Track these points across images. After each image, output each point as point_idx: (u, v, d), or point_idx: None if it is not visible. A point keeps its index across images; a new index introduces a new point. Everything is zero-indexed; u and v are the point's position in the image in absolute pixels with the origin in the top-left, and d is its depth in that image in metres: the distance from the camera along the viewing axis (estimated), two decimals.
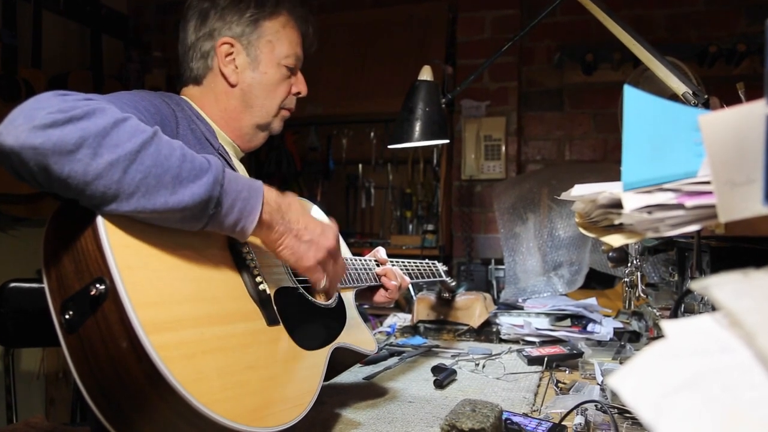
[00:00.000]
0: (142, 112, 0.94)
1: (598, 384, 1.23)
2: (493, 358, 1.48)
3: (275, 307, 0.94)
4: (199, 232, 0.84)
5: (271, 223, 0.88)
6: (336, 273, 1.01)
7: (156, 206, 0.74)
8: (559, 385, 1.25)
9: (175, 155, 0.77)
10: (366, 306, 1.40)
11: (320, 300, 1.11)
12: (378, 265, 1.35)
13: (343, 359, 1.14)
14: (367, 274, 1.29)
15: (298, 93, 1.26)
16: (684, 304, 1.21)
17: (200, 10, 1.18)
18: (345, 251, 1.31)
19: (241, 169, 1.23)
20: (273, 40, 1.19)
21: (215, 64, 1.18)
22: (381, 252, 1.40)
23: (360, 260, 1.30)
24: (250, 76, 1.18)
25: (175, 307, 0.75)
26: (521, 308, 1.89)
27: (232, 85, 1.18)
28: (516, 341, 1.68)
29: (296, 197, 0.97)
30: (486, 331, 1.76)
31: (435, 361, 1.41)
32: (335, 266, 1.00)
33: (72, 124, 0.69)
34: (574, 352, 1.45)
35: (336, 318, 1.13)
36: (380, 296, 1.35)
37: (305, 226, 0.93)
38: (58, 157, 0.68)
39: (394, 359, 1.49)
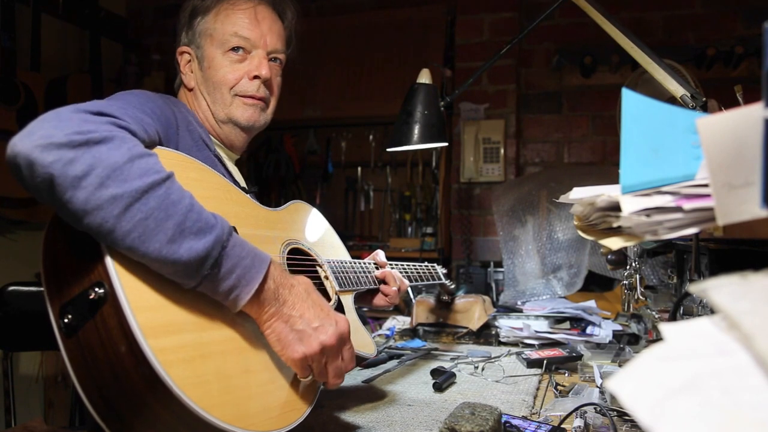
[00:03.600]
0: (150, 116, 0.94)
1: (597, 387, 1.23)
2: (493, 360, 1.48)
3: None
4: None
5: (262, 300, 0.82)
6: (327, 371, 0.88)
7: (148, 251, 0.70)
8: (559, 387, 1.25)
9: (184, 203, 0.74)
10: (365, 309, 1.40)
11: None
12: (377, 268, 1.35)
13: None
14: (366, 277, 1.29)
15: (257, 76, 1.18)
16: (683, 307, 1.21)
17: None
18: (344, 254, 1.31)
19: (235, 171, 1.23)
20: (212, 33, 1.19)
21: (180, 73, 1.24)
22: (380, 255, 1.40)
23: (359, 263, 1.30)
24: (200, 75, 1.21)
25: (173, 311, 0.74)
26: (520, 311, 1.89)
27: (190, 89, 1.23)
28: (515, 344, 1.67)
29: (306, 280, 0.89)
30: (485, 334, 1.76)
31: (434, 364, 1.41)
32: (330, 365, 0.88)
33: (87, 148, 0.69)
34: (573, 354, 1.45)
35: None
36: (380, 299, 1.35)
37: (301, 315, 0.85)
38: (64, 179, 0.67)
39: (394, 362, 1.49)
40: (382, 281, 1.33)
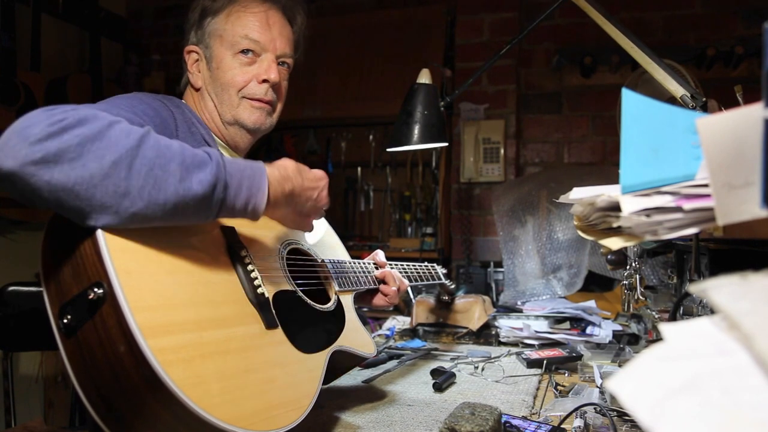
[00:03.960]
0: (140, 116, 0.94)
1: (597, 387, 1.23)
2: (492, 361, 1.48)
3: (274, 311, 0.94)
4: (198, 233, 0.84)
5: (274, 201, 0.89)
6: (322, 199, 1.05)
7: (168, 196, 0.74)
8: (559, 387, 1.25)
9: (174, 145, 0.78)
10: (365, 309, 1.40)
11: (319, 304, 1.11)
12: (377, 268, 1.35)
13: (342, 362, 1.14)
14: (366, 277, 1.29)
15: (266, 80, 1.19)
16: (683, 307, 1.21)
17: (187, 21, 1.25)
18: (343, 254, 1.31)
19: None
20: (222, 34, 1.19)
21: (188, 72, 1.23)
22: (380, 255, 1.40)
23: (359, 263, 1.30)
24: (208, 75, 1.21)
25: (173, 311, 0.74)
26: (520, 311, 1.89)
27: (197, 88, 1.22)
28: (515, 344, 1.67)
29: (290, 162, 0.96)
30: (485, 334, 1.76)
31: (434, 364, 1.41)
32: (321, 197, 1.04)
33: (67, 132, 0.69)
34: (573, 354, 1.44)
35: (335, 321, 1.12)
36: (379, 299, 1.35)
37: (302, 195, 0.96)
38: (62, 166, 0.67)
39: (393, 362, 1.49)
40: (382, 281, 1.33)
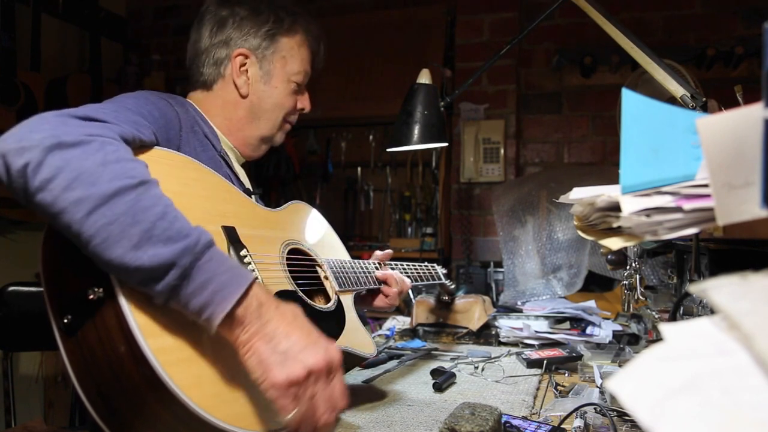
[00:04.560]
0: (146, 118, 0.94)
1: (597, 387, 1.23)
2: (492, 361, 1.48)
3: None
4: None
5: (243, 319, 0.73)
6: (316, 404, 0.75)
7: (112, 258, 0.67)
8: (559, 388, 1.25)
9: (155, 211, 0.70)
10: (365, 309, 1.41)
11: (319, 303, 1.11)
12: (377, 267, 1.35)
13: (342, 362, 1.14)
14: (366, 277, 1.29)
15: (302, 109, 1.29)
16: (683, 307, 1.21)
17: (218, 17, 1.19)
18: (344, 254, 1.31)
19: (242, 173, 1.23)
20: (287, 56, 1.22)
21: (228, 73, 1.19)
22: (381, 253, 1.41)
23: (359, 263, 1.30)
24: (261, 89, 1.21)
25: (173, 311, 0.74)
26: (520, 311, 1.89)
27: (243, 96, 1.20)
28: (515, 344, 1.67)
29: (295, 307, 0.80)
30: (485, 334, 1.76)
31: (434, 364, 1.41)
32: (320, 395, 0.75)
33: (58, 151, 0.68)
34: (573, 354, 1.44)
35: (335, 321, 1.12)
36: (380, 301, 1.34)
37: (286, 335, 0.75)
38: (32, 182, 0.67)
39: (393, 362, 1.49)
40: (383, 282, 1.33)
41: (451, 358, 1.52)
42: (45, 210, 0.68)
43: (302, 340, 0.75)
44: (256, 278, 0.77)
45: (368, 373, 1.38)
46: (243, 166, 1.28)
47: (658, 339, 1.40)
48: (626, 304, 1.47)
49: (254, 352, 0.73)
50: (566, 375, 1.37)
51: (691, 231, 0.55)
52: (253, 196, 1.18)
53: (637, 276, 1.43)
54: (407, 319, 1.96)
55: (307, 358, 0.73)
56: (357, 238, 3.32)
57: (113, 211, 0.67)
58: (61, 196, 0.67)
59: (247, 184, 1.23)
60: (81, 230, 0.67)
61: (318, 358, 0.74)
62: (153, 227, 0.69)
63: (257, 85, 1.21)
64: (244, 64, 1.19)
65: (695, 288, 0.41)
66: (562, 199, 0.81)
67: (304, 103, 1.29)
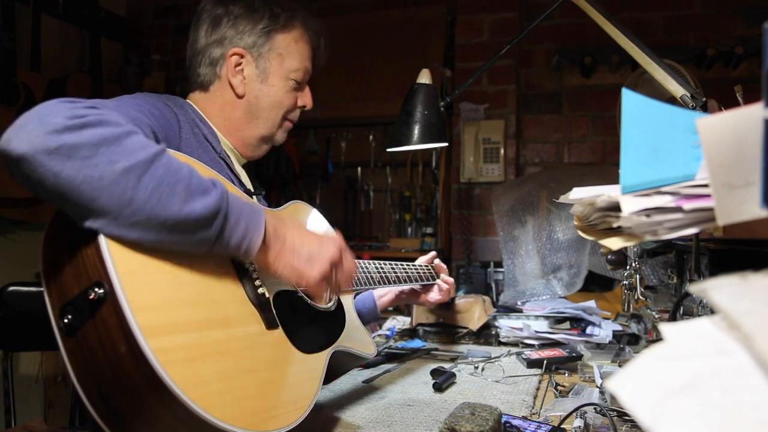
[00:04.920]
0: (146, 115, 0.94)
1: (597, 387, 1.23)
2: (492, 361, 1.48)
3: (274, 311, 0.94)
4: None
5: (268, 243, 0.86)
6: (340, 281, 0.97)
7: (169, 214, 0.73)
8: (559, 388, 1.25)
9: (184, 168, 0.77)
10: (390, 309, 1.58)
11: (320, 304, 1.11)
12: (376, 269, 1.35)
13: (342, 362, 1.14)
14: (366, 277, 1.29)
15: (304, 106, 1.27)
16: (683, 307, 1.21)
17: (213, 15, 1.18)
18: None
19: (243, 174, 1.23)
20: (284, 53, 1.20)
21: (224, 73, 1.18)
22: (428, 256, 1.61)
23: (359, 263, 1.30)
24: (258, 88, 1.19)
25: (173, 311, 0.74)
26: (520, 311, 1.89)
27: (239, 96, 1.19)
28: (515, 344, 1.67)
29: (293, 218, 0.96)
30: (485, 334, 1.76)
31: (434, 364, 1.41)
32: (340, 274, 0.97)
33: (87, 129, 0.69)
34: (573, 354, 1.44)
35: (335, 321, 1.12)
36: (434, 294, 1.57)
37: (302, 243, 0.91)
38: (74, 162, 0.67)
39: (394, 362, 1.49)
40: (385, 283, 1.34)
41: (451, 358, 1.52)
42: (91, 185, 0.68)
43: (315, 242, 0.92)
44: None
45: (368, 373, 1.38)
46: (244, 167, 1.28)
47: (658, 339, 1.40)
48: (626, 304, 1.47)
49: (285, 265, 0.89)
50: (566, 375, 1.37)
51: (691, 231, 0.55)
52: (254, 197, 1.18)
53: (637, 276, 1.43)
54: (407, 319, 1.96)
55: (326, 254, 0.92)
56: (357, 238, 3.32)
57: (157, 174, 0.73)
58: (109, 169, 0.69)
59: (249, 185, 1.23)
60: (135, 197, 0.70)
61: (333, 250, 0.93)
62: (190, 182, 0.76)
63: (254, 84, 1.19)
64: (240, 64, 1.18)
65: (695, 288, 0.41)
66: (562, 199, 0.81)
67: (305, 99, 1.27)
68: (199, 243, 0.78)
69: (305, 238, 0.92)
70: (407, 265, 1.50)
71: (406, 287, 1.55)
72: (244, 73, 1.18)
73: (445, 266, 1.60)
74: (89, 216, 0.70)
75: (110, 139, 0.70)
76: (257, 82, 1.19)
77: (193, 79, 1.21)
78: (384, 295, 1.60)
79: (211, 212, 0.77)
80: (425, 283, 1.55)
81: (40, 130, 0.66)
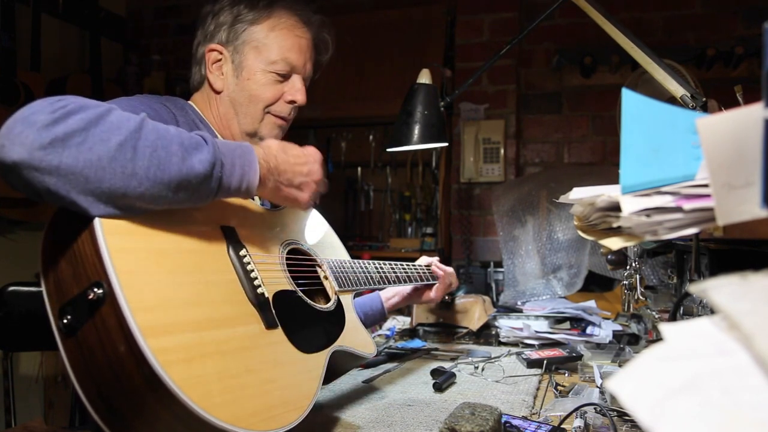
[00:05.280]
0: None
1: (597, 387, 1.23)
2: (493, 361, 1.48)
3: (274, 311, 0.93)
4: (198, 233, 0.84)
5: (264, 179, 0.90)
6: (321, 191, 1.06)
7: (172, 176, 0.75)
8: (559, 388, 1.25)
9: (171, 129, 0.79)
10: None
11: (319, 303, 1.11)
12: (376, 268, 1.35)
13: (342, 362, 1.14)
14: (366, 277, 1.29)
15: (293, 101, 1.22)
16: (683, 307, 1.21)
17: (203, 14, 1.20)
18: (343, 254, 1.31)
19: None
20: (259, 45, 1.18)
21: (205, 72, 1.19)
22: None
23: (358, 263, 1.30)
24: (234, 83, 1.19)
25: (173, 311, 0.74)
26: (520, 311, 1.89)
27: (217, 92, 1.19)
28: (515, 344, 1.67)
29: (275, 141, 0.99)
30: (485, 334, 1.76)
31: (434, 364, 1.41)
32: (323, 186, 1.06)
33: (71, 117, 0.70)
34: (574, 354, 1.44)
35: (335, 321, 1.12)
36: (433, 291, 1.57)
37: (292, 170, 0.97)
38: (70, 150, 0.68)
39: (394, 362, 1.49)
40: (385, 283, 1.35)
41: (451, 358, 1.52)
42: (92, 168, 0.69)
43: (301, 167, 0.99)
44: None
45: (368, 373, 1.38)
46: None
47: (658, 339, 1.40)
48: (626, 304, 1.47)
49: (282, 195, 0.97)
50: (566, 375, 1.37)
51: (691, 231, 0.55)
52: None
53: (637, 276, 1.43)
54: (407, 319, 1.96)
55: (312, 176, 1.00)
56: (357, 238, 3.32)
57: (149, 140, 0.75)
58: (104, 148, 0.70)
59: None
60: (136, 167, 0.72)
61: (316, 171, 1.01)
62: (181, 141, 0.78)
63: (230, 79, 1.18)
64: (219, 60, 1.18)
65: (695, 288, 0.41)
66: (562, 199, 0.81)
67: (294, 94, 1.21)
68: (204, 195, 0.81)
69: (293, 164, 0.97)
70: (407, 265, 1.50)
71: (409, 287, 1.56)
72: (222, 69, 1.19)
73: (441, 272, 1.59)
74: (99, 200, 0.71)
75: (95, 119, 0.71)
76: (233, 77, 1.19)
77: (190, 80, 1.24)
78: (391, 297, 1.59)
79: (210, 164, 0.79)
80: (426, 282, 1.55)
81: (30, 130, 0.67)
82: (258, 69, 1.18)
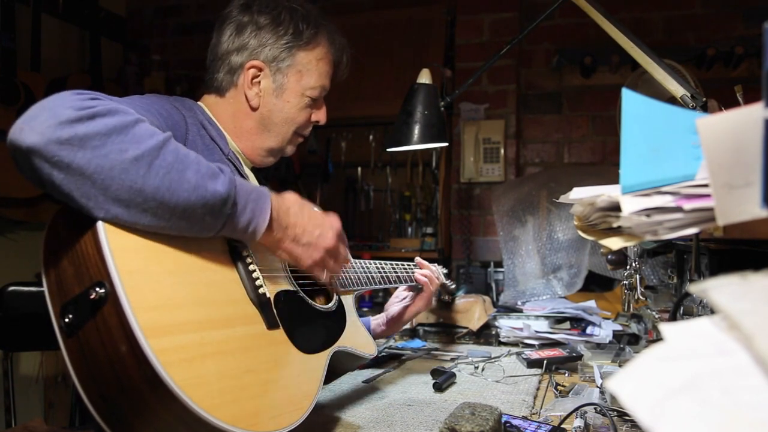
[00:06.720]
0: (155, 116, 0.94)
1: (597, 387, 1.23)
2: (493, 361, 1.48)
3: (275, 311, 0.94)
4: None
5: (272, 228, 0.90)
6: (337, 265, 1.04)
7: (180, 200, 0.75)
8: (559, 387, 1.25)
9: (192, 155, 0.79)
10: (365, 309, 1.47)
11: (320, 304, 1.11)
12: (378, 269, 1.35)
13: (342, 362, 1.14)
14: (367, 277, 1.29)
15: (317, 122, 1.25)
16: (683, 307, 1.21)
17: (238, 22, 1.16)
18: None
19: (251, 177, 1.21)
20: (303, 70, 1.18)
21: (240, 83, 1.16)
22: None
23: (359, 263, 1.30)
24: (272, 103, 1.17)
25: (174, 311, 0.75)
26: (520, 311, 1.89)
27: (253, 108, 1.17)
28: (515, 344, 1.68)
29: (295, 196, 0.97)
30: (485, 334, 1.76)
31: (434, 364, 1.41)
32: (337, 259, 1.03)
33: (96, 119, 0.70)
34: (574, 354, 1.45)
35: (336, 321, 1.13)
36: (420, 299, 1.48)
37: (303, 230, 0.95)
38: (85, 152, 0.68)
39: (394, 362, 1.49)
40: (385, 283, 1.34)
41: (451, 358, 1.52)
42: (102, 174, 0.69)
43: (316, 227, 0.97)
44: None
45: (368, 373, 1.38)
46: (253, 170, 1.25)
47: (658, 339, 1.40)
48: (626, 304, 1.47)
49: (285, 251, 0.94)
50: (566, 375, 1.37)
51: (691, 231, 0.55)
52: None
53: (637, 276, 1.43)
54: None
55: (322, 242, 0.98)
56: (357, 238, 3.31)
57: (167, 161, 0.75)
58: (119, 158, 0.70)
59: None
60: (145, 184, 0.72)
61: (330, 239, 0.99)
62: (198, 168, 0.78)
63: (268, 98, 1.17)
64: (258, 76, 1.15)
65: (695, 288, 0.41)
66: (562, 199, 0.81)
67: (319, 116, 1.25)
68: (208, 227, 0.81)
69: (307, 224, 0.96)
70: (407, 265, 1.50)
71: (395, 310, 1.50)
72: (261, 86, 1.16)
73: (424, 278, 1.49)
74: (100, 206, 0.71)
75: (119, 128, 0.72)
76: (272, 97, 1.17)
77: (210, 82, 1.20)
78: (381, 324, 1.51)
79: (222, 198, 0.79)
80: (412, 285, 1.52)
81: (52, 121, 0.67)
82: (298, 92, 1.18)
